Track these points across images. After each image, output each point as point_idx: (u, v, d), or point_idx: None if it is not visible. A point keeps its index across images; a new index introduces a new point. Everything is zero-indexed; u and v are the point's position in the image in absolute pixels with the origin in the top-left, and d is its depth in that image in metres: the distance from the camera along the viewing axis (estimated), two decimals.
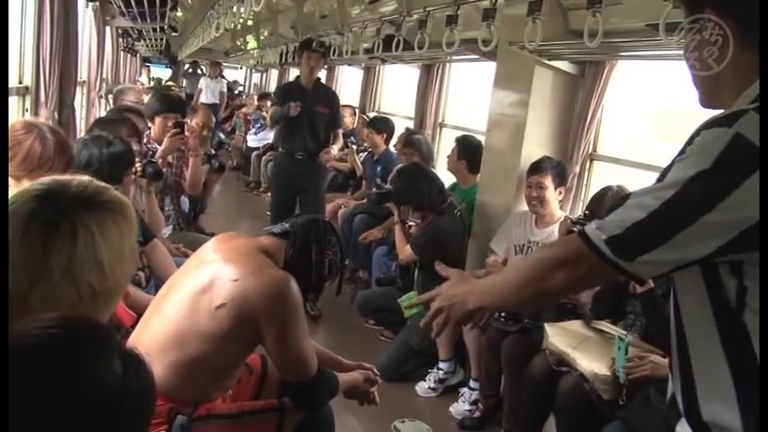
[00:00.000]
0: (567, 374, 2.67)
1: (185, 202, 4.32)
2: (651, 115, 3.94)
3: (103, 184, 1.29)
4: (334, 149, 5.23)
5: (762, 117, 1.03)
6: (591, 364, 2.59)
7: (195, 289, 1.96)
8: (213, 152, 4.31)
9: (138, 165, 3.07)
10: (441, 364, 3.69)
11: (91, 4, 5.51)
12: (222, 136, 7.02)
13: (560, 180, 3.42)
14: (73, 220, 1.16)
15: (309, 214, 3.09)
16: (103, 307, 1.24)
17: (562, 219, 3.21)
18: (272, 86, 13.61)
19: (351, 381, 2.31)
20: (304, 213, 4.07)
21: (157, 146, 3.77)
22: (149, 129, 3.81)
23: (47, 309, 1.14)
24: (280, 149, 5.29)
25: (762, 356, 1.06)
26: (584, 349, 2.67)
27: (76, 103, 4.38)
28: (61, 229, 1.15)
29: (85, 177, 1.27)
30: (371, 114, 7.11)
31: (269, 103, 10.19)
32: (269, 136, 8.97)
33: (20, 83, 3.65)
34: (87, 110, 5.90)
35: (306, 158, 4.92)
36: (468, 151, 4.28)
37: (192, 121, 4.24)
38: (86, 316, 0.93)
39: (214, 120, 4.20)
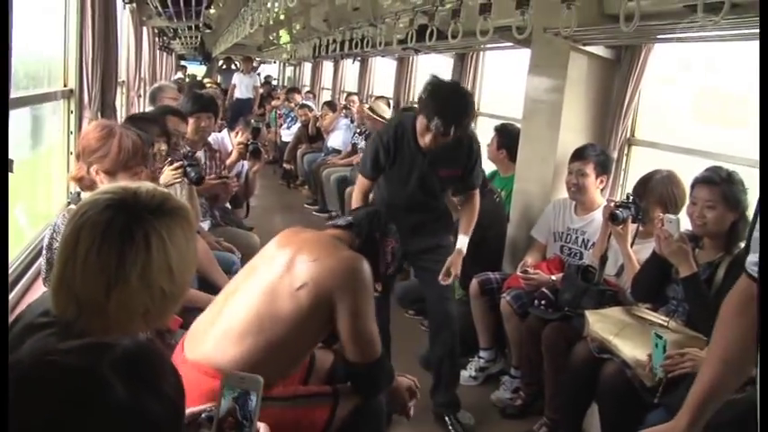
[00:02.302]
0: (609, 361, 2.66)
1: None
2: (690, 98, 3.88)
3: (166, 191, 1.34)
4: (463, 249, 3.20)
5: (762, 117, 1.02)
6: (633, 350, 2.57)
7: (274, 274, 2.05)
8: (252, 140, 4.32)
9: (177, 165, 3.11)
10: (481, 353, 3.70)
11: (128, 5, 5.60)
12: (254, 123, 7.10)
13: (602, 169, 3.40)
14: (146, 228, 1.22)
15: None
16: (171, 309, 1.31)
17: (604, 204, 3.19)
18: (306, 80, 13.68)
19: (397, 382, 2.35)
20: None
21: (190, 149, 3.83)
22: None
23: (123, 314, 1.21)
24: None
25: (762, 356, 1.07)
26: (625, 336, 2.65)
27: (117, 104, 4.46)
28: (136, 238, 1.21)
29: (150, 185, 1.33)
30: (379, 103, 7.04)
31: (297, 97, 10.28)
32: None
33: (65, 86, 3.74)
34: (127, 110, 6.00)
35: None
36: (508, 140, 4.25)
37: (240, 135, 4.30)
38: (107, 341, 0.95)
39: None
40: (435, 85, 2.98)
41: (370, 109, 6.98)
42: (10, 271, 2.68)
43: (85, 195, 2.27)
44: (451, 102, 2.91)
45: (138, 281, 1.21)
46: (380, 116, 6.73)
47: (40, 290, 2.66)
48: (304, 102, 9.86)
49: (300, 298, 1.99)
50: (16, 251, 2.92)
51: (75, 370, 0.88)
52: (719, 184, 2.59)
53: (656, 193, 3.07)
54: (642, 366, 2.51)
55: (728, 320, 1.43)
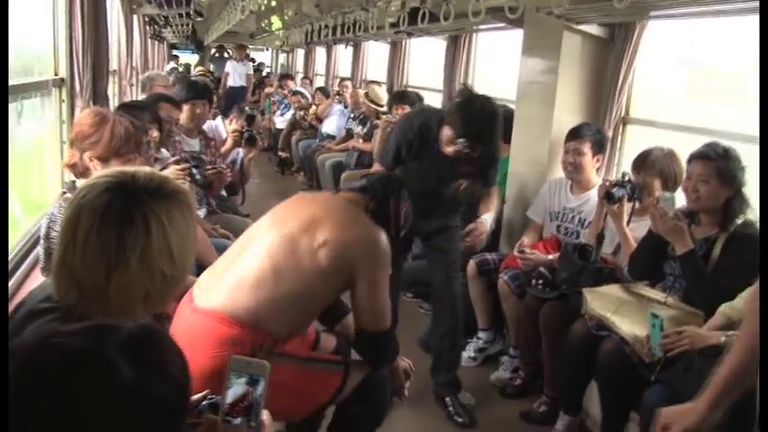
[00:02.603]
0: (608, 338, 2.67)
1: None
2: (684, 75, 3.88)
3: (164, 174, 1.33)
4: (486, 221, 3.33)
5: (761, 117, 1.02)
6: (631, 327, 2.58)
7: (294, 229, 2.06)
8: (246, 127, 4.30)
9: (183, 166, 3.10)
10: (480, 334, 3.71)
11: None
12: (248, 110, 7.09)
13: (598, 148, 3.40)
14: (145, 210, 1.22)
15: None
16: (171, 292, 1.32)
17: (600, 183, 3.19)
18: (299, 66, 13.63)
19: (395, 362, 2.38)
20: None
21: (185, 137, 3.82)
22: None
23: (124, 297, 1.21)
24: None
25: (762, 355, 1.08)
26: (623, 313, 2.66)
27: (109, 93, 4.44)
28: (135, 220, 1.21)
29: (148, 168, 1.33)
30: (377, 89, 7.02)
31: (290, 83, 10.24)
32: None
33: (55, 75, 3.72)
34: (119, 98, 5.97)
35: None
36: (503, 122, 4.23)
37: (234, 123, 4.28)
38: (110, 323, 0.95)
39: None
40: (466, 101, 2.94)
41: (366, 95, 6.96)
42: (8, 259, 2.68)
43: (80, 183, 2.27)
44: (480, 120, 2.89)
45: (138, 263, 1.21)
46: (377, 103, 6.72)
47: (37, 280, 2.66)
48: (296, 89, 9.83)
49: (321, 255, 2.02)
50: (11, 241, 2.91)
51: (80, 352, 0.88)
52: (714, 159, 2.60)
53: (656, 167, 3.07)
54: (640, 343, 2.52)
55: (757, 310, 1.42)
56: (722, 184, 2.59)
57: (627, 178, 3.05)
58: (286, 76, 11.02)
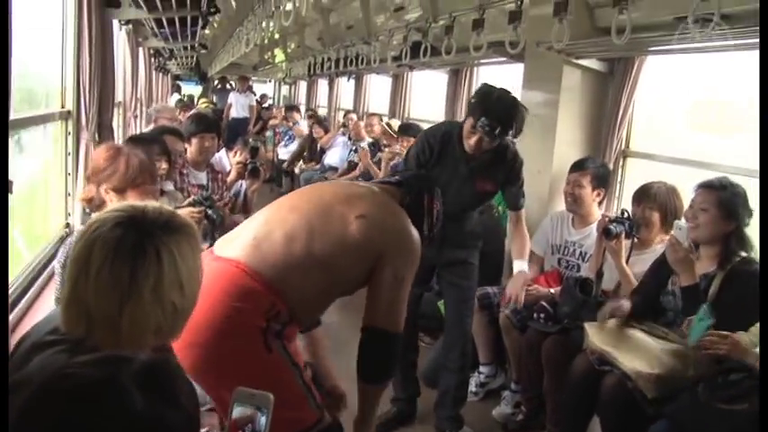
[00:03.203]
0: (610, 373, 2.65)
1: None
2: (685, 108, 3.91)
3: (171, 209, 1.37)
4: (524, 269, 3.22)
5: (761, 117, 1.03)
6: (633, 362, 2.57)
7: (331, 200, 2.03)
8: (250, 159, 4.34)
9: (198, 209, 3.11)
10: (481, 368, 3.69)
11: (124, 27, 5.63)
12: (252, 142, 7.14)
13: (599, 182, 3.40)
14: (157, 243, 1.24)
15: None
16: (181, 322, 1.33)
17: (599, 218, 3.20)
18: (302, 98, 13.73)
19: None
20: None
21: (192, 169, 3.84)
22: (186, 149, 3.88)
23: (136, 329, 1.22)
24: None
25: (762, 357, 1.07)
26: (625, 348, 2.65)
27: (114, 124, 4.49)
28: (147, 253, 1.22)
29: (156, 203, 1.35)
30: (393, 121, 7.09)
31: (296, 115, 10.32)
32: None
33: (62, 107, 3.76)
34: (124, 130, 6.03)
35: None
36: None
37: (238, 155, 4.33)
38: (123, 354, 0.97)
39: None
40: (486, 89, 2.98)
41: (388, 125, 7.01)
42: (9, 291, 2.68)
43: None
44: (500, 103, 2.90)
45: (150, 295, 1.22)
46: (394, 131, 6.76)
47: (39, 311, 2.66)
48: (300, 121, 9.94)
49: (356, 227, 1.96)
50: (14, 273, 2.92)
51: (94, 382, 0.90)
52: (717, 189, 2.60)
53: (657, 200, 3.08)
54: (643, 378, 2.50)
55: None
56: (721, 215, 2.58)
57: (626, 215, 3.05)
58: (292, 107, 11.08)
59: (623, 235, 3.00)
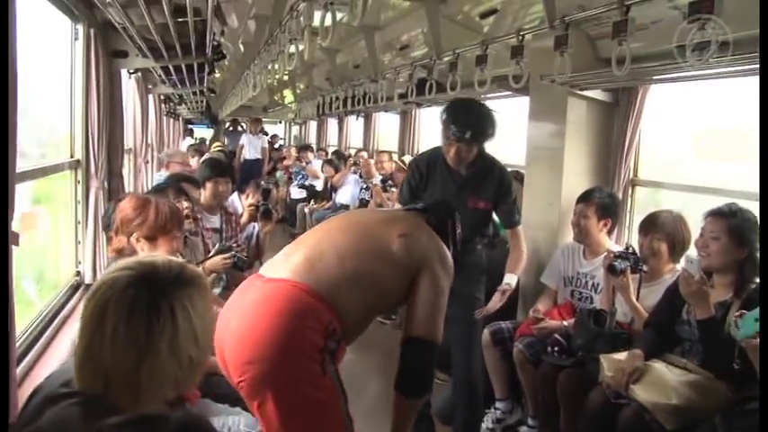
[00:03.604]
0: (627, 406, 2.61)
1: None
2: (691, 136, 3.90)
3: (181, 260, 1.39)
4: (511, 283, 3.26)
5: (761, 118, 1.03)
6: (650, 393, 2.53)
7: (371, 223, 2.23)
8: (262, 202, 4.39)
9: (227, 255, 3.19)
10: (497, 404, 3.63)
11: (133, 75, 5.72)
12: (264, 184, 7.20)
13: (604, 212, 3.40)
14: (171, 300, 1.26)
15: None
16: (198, 374, 1.34)
17: (605, 254, 3.17)
18: (312, 138, 13.84)
19: None
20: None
21: (206, 213, 3.87)
22: (200, 194, 3.91)
23: (155, 385, 1.24)
24: None
25: (762, 357, 1.05)
26: (642, 379, 2.61)
27: (124, 171, 4.54)
28: (162, 310, 1.24)
29: (164, 256, 1.37)
30: (406, 158, 7.15)
31: (310, 155, 10.40)
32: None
33: (71, 156, 3.81)
34: (135, 176, 6.09)
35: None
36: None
37: (250, 197, 4.38)
38: (156, 413, 0.98)
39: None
40: (454, 102, 3.13)
41: (401, 161, 7.06)
42: (18, 343, 2.69)
43: None
44: (466, 110, 3.05)
45: (167, 351, 1.24)
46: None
47: (51, 359, 2.67)
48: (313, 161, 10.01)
49: (400, 244, 2.11)
50: (23, 323, 2.93)
51: None
52: (728, 216, 2.59)
53: (664, 230, 3.06)
54: (660, 409, 2.46)
55: None
56: (733, 242, 2.57)
57: (630, 250, 3.04)
58: (306, 147, 11.16)
59: (629, 270, 2.98)
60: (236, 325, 1.92)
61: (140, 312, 1.23)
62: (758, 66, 2.53)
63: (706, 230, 2.64)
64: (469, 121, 3.01)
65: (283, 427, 1.87)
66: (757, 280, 2.55)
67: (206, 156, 6.78)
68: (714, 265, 2.62)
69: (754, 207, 2.65)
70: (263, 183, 9.03)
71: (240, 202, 4.96)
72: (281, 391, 1.87)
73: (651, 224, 3.12)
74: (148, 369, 1.22)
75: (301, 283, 1.95)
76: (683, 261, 2.73)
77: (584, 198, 3.43)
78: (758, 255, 2.57)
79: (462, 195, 3.13)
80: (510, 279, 3.24)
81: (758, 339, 2.12)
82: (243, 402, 2.39)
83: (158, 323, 1.23)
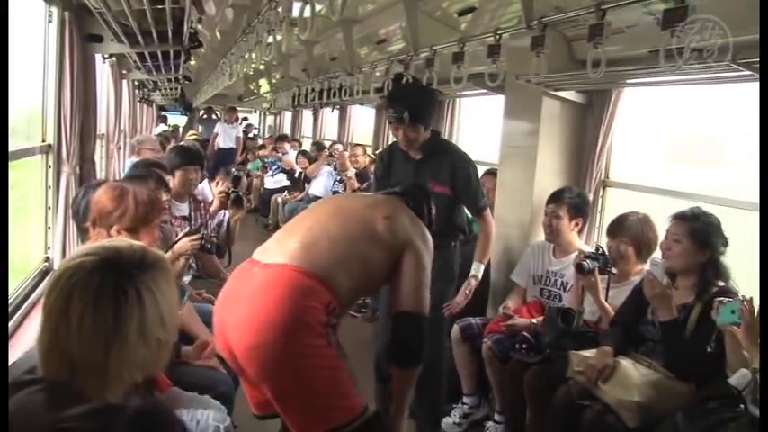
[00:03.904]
0: (589, 408, 2.65)
1: None
2: (661, 140, 3.97)
3: (143, 244, 1.37)
4: (478, 273, 3.36)
5: (761, 121, 1.06)
6: (615, 391, 2.58)
7: (357, 206, 2.37)
8: (233, 189, 4.35)
9: (194, 237, 3.10)
10: (465, 399, 3.67)
11: (107, 60, 5.65)
12: (235, 171, 7.13)
13: (576, 212, 3.44)
14: (137, 284, 1.25)
15: None
16: (165, 354, 1.34)
17: (576, 254, 3.22)
18: (287, 128, 13.78)
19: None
20: None
21: (174, 201, 3.82)
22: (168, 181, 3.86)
23: (123, 369, 1.24)
24: None
25: (762, 357, 1.08)
26: (607, 377, 2.65)
27: (96, 156, 4.48)
28: (129, 296, 1.23)
29: (127, 240, 1.36)
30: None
31: (286, 146, 10.36)
32: (285, 179, 9.14)
33: (43, 141, 3.75)
34: (106, 162, 6.02)
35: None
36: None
37: (220, 185, 4.33)
38: (115, 403, 0.98)
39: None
40: (392, 87, 3.43)
41: (376, 155, 7.07)
42: None
43: None
44: (400, 92, 3.35)
45: (136, 336, 1.23)
46: None
47: (18, 345, 2.64)
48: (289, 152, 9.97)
49: (382, 226, 2.25)
50: None
51: None
52: (689, 220, 2.64)
53: (630, 233, 3.11)
54: (625, 407, 2.51)
55: None
56: (694, 245, 2.62)
57: (600, 251, 3.09)
58: (283, 137, 11.09)
59: (597, 271, 3.02)
60: (242, 311, 2.03)
61: (107, 298, 1.22)
62: (735, 74, 2.59)
63: (669, 233, 2.70)
64: (404, 102, 3.18)
65: (298, 400, 2.02)
66: (720, 283, 2.60)
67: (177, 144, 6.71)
68: (676, 267, 2.68)
69: (720, 211, 2.71)
70: (233, 170, 8.96)
71: (210, 190, 4.93)
72: (294, 369, 1.99)
73: (618, 227, 3.16)
74: (117, 355, 1.21)
75: (299, 267, 2.06)
76: (649, 263, 2.78)
77: (555, 198, 3.46)
78: (720, 258, 2.62)
79: (419, 179, 3.19)
80: (477, 269, 3.34)
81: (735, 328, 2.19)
82: (211, 391, 2.43)
83: (126, 308, 1.22)
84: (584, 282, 3.08)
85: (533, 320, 3.32)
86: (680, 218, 2.68)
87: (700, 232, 2.62)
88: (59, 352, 1.22)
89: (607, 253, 3.08)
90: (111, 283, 1.23)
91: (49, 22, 3.70)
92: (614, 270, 3.06)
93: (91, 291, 1.22)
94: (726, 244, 2.62)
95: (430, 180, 3.21)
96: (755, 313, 2.16)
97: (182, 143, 6.89)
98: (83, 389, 1.21)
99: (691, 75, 2.80)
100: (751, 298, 2.19)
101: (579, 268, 3.05)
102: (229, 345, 2.05)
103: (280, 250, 2.15)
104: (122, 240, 1.37)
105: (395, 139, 3.37)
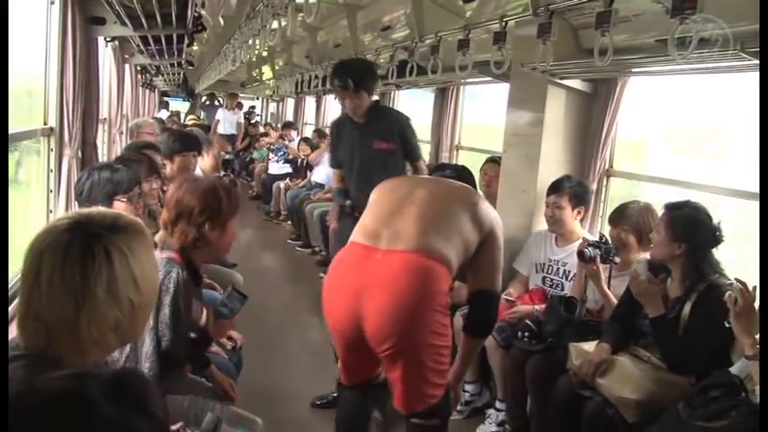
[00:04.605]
0: (590, 400, 2.65)
1: None
2: (666, 130, 3.95)
3: (116, 211, 1.36)
4: None
5: (761, 120, 1.05)
6: (614, 387, 2.57)
7: (450, 190, 2.56)
8: (224, 173, 4.37)
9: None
10: (466, 386, 3.66)
11: (110, 43, 5.62)
12: (227, 155, 7.08)
13: (578, 201, 3.42)
14: (106, 244, 1.24)
15: None
16: (141, 319, 1.34)
17: (581, 240, 3.21)
18: (289, 115, 13.75)
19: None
20: None
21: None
22: (164, 165, 3.84)
23: (95, 330, 1.23)
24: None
25: (762, 357, 1.07)
26: (607, 372, 2.65)
27: (98, 141, 4.47)
28: (96, 254, 1.23)
29: (101, 208, 1.36)
30: None
31: (293, 133, 10.34)
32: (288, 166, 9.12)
33: (45, 124, 3.74)
34: (108, 146, 6.00)
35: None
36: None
37: (209, 154, 4.30)
38: (91, 370, 0.98)
39: (229, 148, 4.33)
40: (337, 62, 3.89)
41: None
42: None
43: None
44: (343, 63, 3.82)
45: (105, 294, 1.23)
46: None
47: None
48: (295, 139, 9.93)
49: (476, 211, 2.43)
50: None
51: (62, 395, 0.90)
52: (671, 210, 2.62)
53: (631, 221, 3.10)
54: (624, 403, 2.50)
55: None
56: (668, 236, 2.59)
57: (603, 239, 3.08)
58: (289, 125, 11.07)
59: (598, 259, 3.01)
60: (385, 299, 2.22)
61: (74, 256, 1.22)
62: (743, 63, 2.57)
63: (656, 222, 2.69)
64: (347, 72, 3.65)
65: (430, 371, 2.27)
66: (713, 278, 2.55)
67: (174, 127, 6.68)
68: (657, 257, 2.66)
69: (726, 202, 2.69)
70: (226, 154, 8.87)
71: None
72: (427, 345, 2.23)
73: (619, 216, 3.16)
74: (87, 315, 1.21)
75: (427, 253, 2.26)
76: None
77: (556, 189, 3.44)
78: (707, 251, 2.57)
79: (365, 140, 3.72)
80: None
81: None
82: None
83: (93, 266, 1.22)
84: (586, 270, 3.07)
85: (536, 307, 3.31)
86: (666, 208, 2.66)
87: (675, 223, 2.58)
88: (34, 316, 1.23)
89: (610, 242, 3.07)
90: (78, 242, 1.23)
91: (52, 3, 3.66)
92: (617, 259, 3.05)
93: (60, 250, 1.22)
94: (714, 238, 2.56)
95: (375, 139, 3.71)
96: (750, 299, 2.15)
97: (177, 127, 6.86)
98: (60, 356, 1.22)
99: (698, 64, 2.78)
100: (745, 283, 2.17)
101: (581, 255, 3.04)
102: (359, 325, 2.25)
103: (396, 237, 2.30)
104: (98, 209, 1.37)
105: (339, 116, 3.91)
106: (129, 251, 1.27)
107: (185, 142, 3.97)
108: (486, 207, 2.49)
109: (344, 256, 2.40)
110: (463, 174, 2.88)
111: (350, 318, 2.28)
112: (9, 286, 3.02)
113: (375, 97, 3.90)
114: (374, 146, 3.69)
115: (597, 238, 3.14)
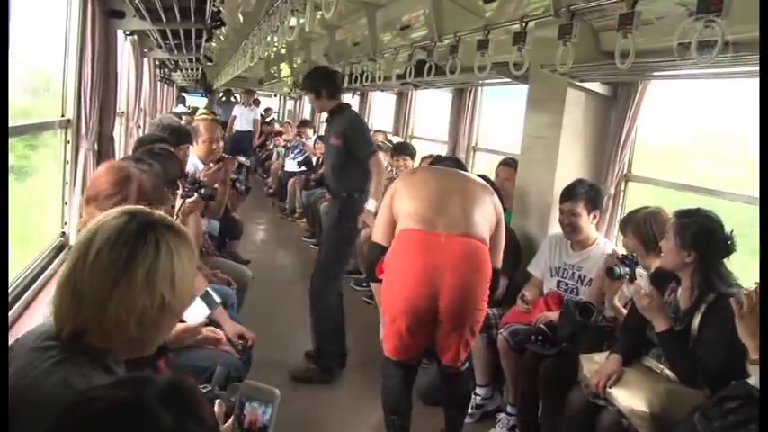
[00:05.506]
0: (606, 410, 2.60)
1: (214, 227, 4.37)
2: (687, 135, 3.91)
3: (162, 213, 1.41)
4: (371, 209, 3.96)
5: (761, 118, 1.02)
6: (627, 399, 2.52)
7: (472, 184, 3.01)
8: (236, 176, 4.36)
9: (191, 195, 3.10)
10: (478, 390, 3.63)
11: (129, 37, 5.64)
12: (242, 159, 7.05)
13: (593, 205, 3.38)
14: (158, 236, 1.29)
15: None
16: (168, 320, 1.35)
17: (610, 252, 3.15)
18: (307, 113, 13.77)
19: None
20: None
21: None
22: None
23: (121, 312, 1.24)
24: None
25: (762, 357, 1.04)
26: (620, 384, 2.60)
27: (115, 134, 4.48)
28: (148, 241, 1.27)
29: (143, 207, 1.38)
30: (394, 138, 7.12)
31: (309, 131, 10.36)
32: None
33: (62, 116, 3.75)
34: (126, 140, 6.02)
35: (332, 199, 4.43)
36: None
37: (198, 141, 4.27)
38: (143, 375, 1.00)
39: (218, 132, 4.34)
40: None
41: (388, 142, 7.01)
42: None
43: None
44: (307, 75, 4.39)
45: (143, 280, 1.25)
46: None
47: (30, 321, 2.63)
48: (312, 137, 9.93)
49: (493, 201, 2.96)
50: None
51: (121, 403, 0.92)
52: (680, 218, 2.54)
53: (633, 226, 3.04)
54: (637, 416, 2.44)
55: None
56: (677, 244, 2.50)
57: (635, 258, 2.96)
58: (306, 123, 11.07)
59: (626, 279, 2.92)
60: (457, 277, 2.72)
61: (128, 235, 1.26)
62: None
63: (665, 229, 2.62)
64: (307, 80, 4.27)
65: (475, 328, 2.87)
66: (724, 288, 2.45)
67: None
68: (667, 266, 2.60)
69: (747, 210, 2.64)
70: (239, 157, 8.85)
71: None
72: (479, 310, 2.84)
73: (627, 222, 3.12)
74: (120, 293, 1.23)
75: (479, 237, 2.80)
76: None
77: (570, 195, 3.39)
78: (718, 262, 2.49)
79: (327, 136, 4.25)
80: (369, 204, 3.99)
81: None
82: None
83: (142, 249, 1.25)
84: (606, 283, 3.00)
85: (552, 315, 3.27)
86: (675, 215, 2.59)
87: (686, 231, 2.49)
88: (71, 285, 1.25)
89: (639, 260, 2.99)
90: (134, 225, 1.28)
91: None
92: (638, 279, 2.94)
93: (116, 228, 1.27)
94: (728, 248, 2.48)
95: (331, 136, 4.13)
96: (755, 301, 2.08)
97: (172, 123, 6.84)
98: (80, 328, 1.23)
99: (720, 68, 2.73)
100: (755, 287, 2.10)
101: (610, 272, 2.92)
102: (436, 300, 2.72)
103: (451, 223, 2.78)
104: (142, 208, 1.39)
105: None
106: (175, 250, 1.30)
107: (173, 136, 3.97)
108: (496, 199, 2.99)
109: (409, 241, 2.81)
110: (460, 164, 3.42)
111: (430, 294, 2.72)
112: (9, 286, 3.04)
113: (351, 100, 4.33)
114: (331, 141, 4.14)
115: (628, 254, 3.04)
